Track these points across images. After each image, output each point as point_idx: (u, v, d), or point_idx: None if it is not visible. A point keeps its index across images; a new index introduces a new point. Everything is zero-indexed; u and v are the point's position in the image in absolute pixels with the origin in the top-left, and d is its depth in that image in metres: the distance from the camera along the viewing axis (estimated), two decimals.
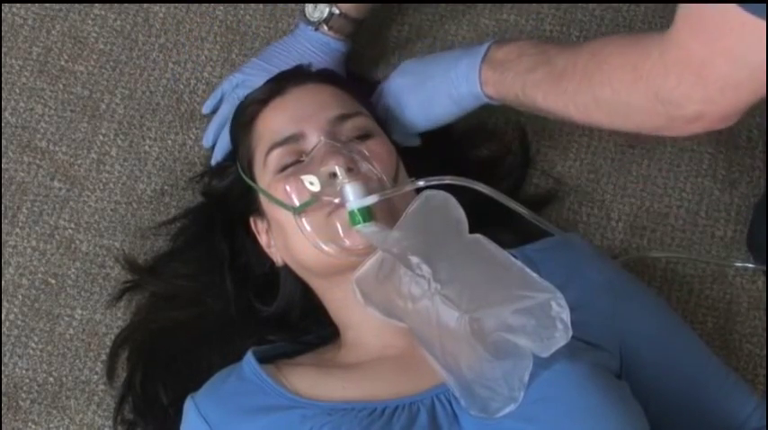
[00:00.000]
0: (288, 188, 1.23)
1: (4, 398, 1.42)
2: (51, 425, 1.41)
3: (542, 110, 1.25)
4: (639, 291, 1.32)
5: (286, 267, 1.31)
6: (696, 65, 1.06)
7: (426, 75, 1.36)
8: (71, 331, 1.45)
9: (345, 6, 1.47)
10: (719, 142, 1.53)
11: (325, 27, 1.48)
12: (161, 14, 1.62)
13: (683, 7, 1.06)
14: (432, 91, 1.35)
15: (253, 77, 1.46)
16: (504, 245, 1.13)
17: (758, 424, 1.27)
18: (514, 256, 1.14)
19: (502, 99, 1.30)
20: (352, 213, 1.18)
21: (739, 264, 1.47)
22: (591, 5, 1.61)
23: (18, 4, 1.61)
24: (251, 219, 1.33)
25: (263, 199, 1.29)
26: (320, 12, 1.47)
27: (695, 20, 1.05)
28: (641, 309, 1.28)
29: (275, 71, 1.41)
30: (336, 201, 1.20)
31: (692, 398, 1.26)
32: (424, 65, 1.38)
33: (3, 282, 1.47)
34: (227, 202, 1.37)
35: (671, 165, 1.53)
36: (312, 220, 1.22)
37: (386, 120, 1.37)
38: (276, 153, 1.26)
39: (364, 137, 1.27)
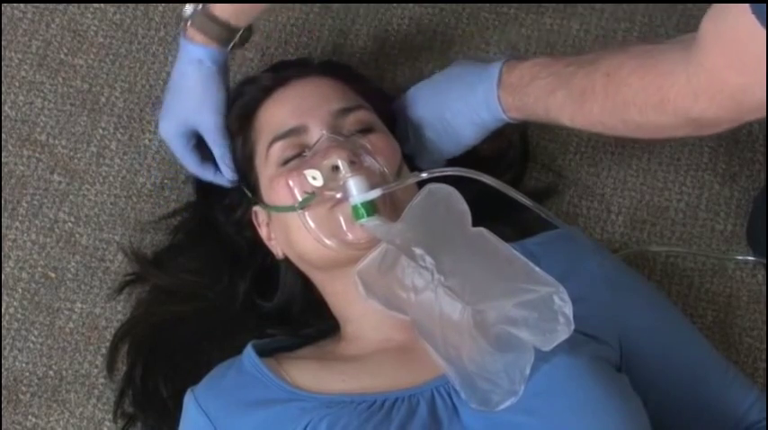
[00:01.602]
0: (291, 182, 1.23)
1: (4, 392, 1.42)
2: (51, 419, 1.41)
3: (571, 128, 1.27)
4: (639, 285, 1.32)
5: (286, 260, 1.31)
6: (731, 91, 1.04)
7: (443, 106, 1.34)
8: (71, 324, 1.45)
9: (217, 8, 1.29)
10: (720, 136, 1.53)
11: (188, 28, 1.31)
12: (161, 8, 1.61)
13: (710, 30, 1.03)
14: (454, 122, 1.33)
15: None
16: (505, 238, 1.13)
17: (758, 416, 1.27)
18: (516, 249, 1.14)
19: (526, 119, 1.30)
20: (355, 208, 1.18)
21: (739, 258, 1.48)
22: None
23: None
24: (251, 212, 1.33)
25: (263, 191, 1.28)
26: (187, 10, 1.31)
27: (729, 48, 1.02)
28: (641, 303, 1.28)
29: (183, 114, 1.32)
30: (339, 195, 1.20)
31: (691, 390, 1.27)
32: (436, 96, 1.35)
33: (3, 276, 1.47)
34: (222, 200, 1.37)
35: (671, 158, 1.53)
36: (315, 215, 1.22)
37: (414, 156, 1.36)
38: (278, 146, 1.26)
39: (367, 130, 1.27)
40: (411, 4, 1.62)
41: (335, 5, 1.60)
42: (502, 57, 1.32)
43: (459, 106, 1.32)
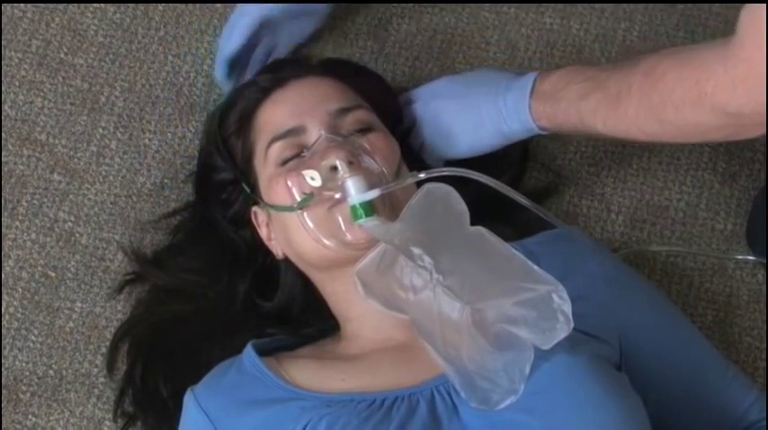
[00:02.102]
0: (289, 183, 1.23)
1: (4, 391, 1.42)
2: (51, 418, 1.41)
3: (604, 135, 1.23)
4: (639, 284, 1.32)
5: (286, 260, 1.31)
6: None
7: (469, 107, 1.32)
8: (71, 324, 1.45)
9: None
10: None
11: None
12: (160, 7, 1.61)
13: (748, 23, 1.03)
14: (479, 126, 1.32)
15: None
16: (503, 238, 1.13)
17: (757, 416, 1.27)
18: (515, 249, 1.14)
19: (557, 129, 1.29)
20: (354, 208, 1.18)
21: (739, 257, 1.47)
22: None
23: None
24: (251, 212, 1.33)
25: (262, 192, 1.28)
26: None
27: (761, 36, 1.02)
28: (641, 302, 1.28)
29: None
30: (338, 196, 1.20)
31: (691, 390, 1.27)
32: (464, 94, 1.34)
33: (3, 275, 1.47)
34: (222, 200, 1.37)
35: (671, 158, 1.53)
36: (313, 215, 1.22)
37: (421, 147, 1.36)
38: (277, 146, 1.26)
39: (365, 130, 1.27)
40: (411, 4, 1.61)
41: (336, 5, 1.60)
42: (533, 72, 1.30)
43: (487, 112, 1.31)
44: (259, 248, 1.34)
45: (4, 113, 1.55)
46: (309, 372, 1.20)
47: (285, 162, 1.25)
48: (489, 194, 1.20)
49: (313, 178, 1.21)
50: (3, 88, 1.56)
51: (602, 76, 1.20)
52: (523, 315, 1.08)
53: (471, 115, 1.32)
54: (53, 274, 1.48)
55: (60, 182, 1.52)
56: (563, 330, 1.07)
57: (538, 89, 1.27)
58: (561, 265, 1.19)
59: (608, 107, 1.19)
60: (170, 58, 1.59)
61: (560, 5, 1.61)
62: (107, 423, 1.41)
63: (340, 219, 1.20)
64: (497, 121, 1.30)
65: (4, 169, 1.52)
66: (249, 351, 1.24)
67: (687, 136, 1.17)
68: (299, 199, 1.22)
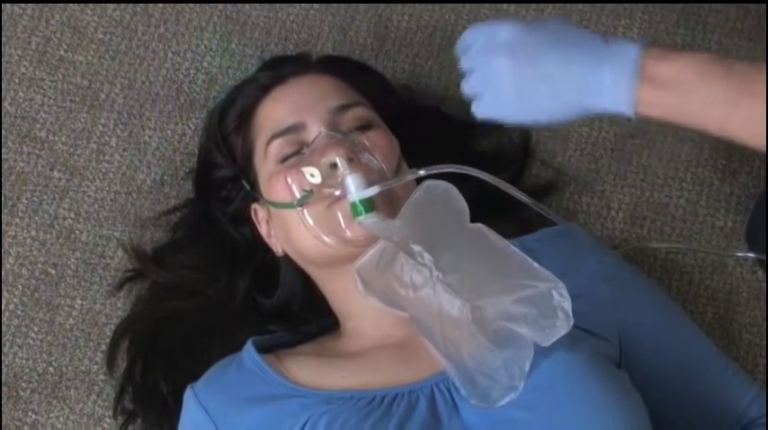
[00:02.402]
0: (289, 180, 1.23)
1: (4, 388, 1.42)
2: (51, 415, 1.42)
3: (746, 142, 1.04)
4: (639, 281, 1.32)
5: (286, 257, 1.31)
6: None
7: (549, 72, 1.09)
8: (71, 321, 1.45)
9: None
10: None
11: None
12: (160, 4, 1.61)
13: None
14: (555, 97, 1.10)
15: None
16: (503, 235, 1.13)
17: (758, 413, 1.27)
18: (515, 246, 1.14)
19: (663, 119, 1.08)
20: (353, 205, 1.18)
21: (739, 255, 1.47)
22: None
23: None
24: (251, 209, 1.33)
25: (262, 189, 1.28)
26: None
27: None
28: (641, 299, 1.28)
29: None
30: (337, 193, 1.20)
31: (691, 387, 1.27)
32: (537, 55, 1.10)
33: (3, 272, 1.47)
34: (222, 197, 1.37)
35: (671, 155, 1.53)
36: (313, 212, 1.22)
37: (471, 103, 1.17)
38: (277, 143, 1.26)
39: (365, 127, 1.27)
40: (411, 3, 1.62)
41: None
42: (629, 39, 1.10)
43: (572, 84, 1.09)
44: (259, 245, 1.34)
45: (3, 110, 1.55)
46: (309, 369, 1.20)
47: (285, 159, 1.25)
48: (489, 191, 1.20)
49: (313, 175, 1.21)
50: (3, 85, 1.56)
51: (753, 76, 1.02)
52: (523, 312, 1.08)
53: (548, 84, 1.10)
54: (53, 271, 1.48)
55: (60, 179, 1.52)
56: (563, 327, 1.07)
57: (652, 72, 1.05)
58: (561, 262, 1.19)
59: None
60: (170, 55, 1.59)
61: (560, 3, 1.61)
62: (107, 420, 1.41)
63: (340, 216, 1.20)
64: (582, 96, 1.09)
65: (4, 166, 1.52)
66: (249, 348, 1.24)
67: None
68: (298, 196, 1.22)
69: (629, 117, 1.08)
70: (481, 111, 1.14)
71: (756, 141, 1.02)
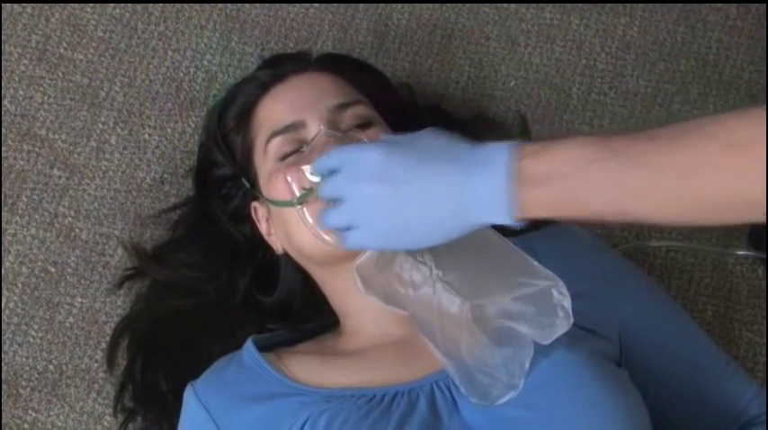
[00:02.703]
0: (289, 178, 1.23)
1: (4, 386, 1.42)
2: (51, 413, 1.42)
3: (646, 220, 0.97)
4: (639, 279, 1.32)
5: (286, 255, 1.31)
6: None
7: (421, 195, 1.02)
8: (71, 319, 1.45)
9: None
10: None
11: None
12: (160, 3, 1.61)
13: None
14: (433, 218, 1.03)
15: None
16: (503, 233, 1.13)
17: (757, 411, 1.27)
18: (515, 244, 1.14)
19: (554, 216, 1.00)
20: None
21: (739, 253, 1.48)
22: None
23: None
24: (251, 207, 1.33)
25: (262, 187, 1.28)
26: None
27: None
28: (641, 298, 1.28)
29: None
30: None
31: (691, 385, 1.27)
32: (414, 178, 1.03)
33: (3, 271, 1.47)
34: (221, 195, 1.37)
35: None
36: (313, 211, 1.21)
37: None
38: (276, 141, 1.26)
39: (365, 125, 1.27)
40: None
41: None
42: (499, 143, 1.00)
43: (440, 202, 1.02)
44: (259, 243, 1.34)
45: (3, 109, 1.55)
46: (309, 368, 1.20)
47: (285, 157, 1.25)
48: None
49: (313, 173, 1.21)
50: (2, 83, 1.56)
51: (638, 150, 0.94)
52: (523, 310, 1.08)
53: (422, 207, 1.03)
54: (53, 270, 1.48)
55: (60, 177, 1.52)
56: (563, 326, 1.07)
57: (527, 171, 0.97)
58: (561, 261, 1.19)
59: (669, 187, 0.93)
60: (170, 53, 1.59)
61: (560, 3, 1.61)
62: (107, 418, 1.41)
63: None
64: (462, 212, 1.01)
65: (4, 164, 1.52)
66: (249, 346, 1.24)
67: None
68: (298, 194, 1.22)
69: (514, 227, 1.00)
70: (354, 243, 1.07)
71: (652, 211, 0.95)
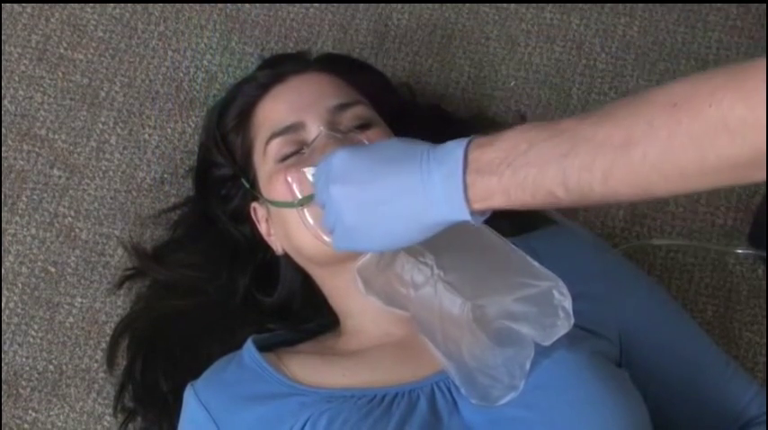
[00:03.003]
0: (289, 179, 1.23)
1: (4, 386, 1.42)
2: (51, 413, 1.42)
3: (598, 197, 0.94)
4: (639, 279, 1.32)
5: (286, 256, 1.31)
6: None
7: (384, 193, 1.04)
8: (71, 319, 1.45)
9: None
10: None
11: None
12: (160, 3, 1.61)
13: None
14: (400, 217, 1.03)
15: None
16: (504, 233, 1.13)
17: (757, 411, 1.27)
18: (515, 245, 1.14)
19: (513, 205, 0.99)
20: None
21: (739, 252, 1.48)
22: None
23: None
24: (251, 207, 1.33)
25: (262, 187, 1.28)
26: None
27: None
28: (641, 297, 1.28)
29: None
30: None
31: (691, 385, 1.27)
32: (367, 178, 1.05)
33: (2, 270, 1.47)
34: (221, 195, 1.37)
35: None
36: (313, 212, 1.21)
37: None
38: (276, 142, 1.26)
39: (364, 126, 1.26)
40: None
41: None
42: (458, 140, 1.01)
43: (401, 199, 1.02)
44: (259, 244, 1.34)
45: (3, 109, 1.55)
46: (310, 368, 1.20)
47: (284, 158, 1.25)
48: None
49: (313, 175, 1.21)
50: (2, 83, 1.56)
51: (582, 127, 0.94)
52: (524, 311, 1.08)
53: (387, 205, 1.04)
54: (53, 270, 1.48)
55: (60, 177, 1.52)
56: (564, 326, 1.07)
57: (479, 160, 0.98)
58: (561, 261, 1.19)
59: (610, 156, 0.91)
60: (170, 53, 1.59)
61: (560, 3, 1.61)
62: (107, 418, 1.41)
63: None
64: (425, 210, 1.02)
65: (4, 164, 1.52)
66: (249, 346, 1.24)
67: (730, 175, 0.88)
68: (299, 195, 1.22)
69: (469, 219, 1.00)
70: (337, 244, 1.10)
71: (605, 185, 0.92)
